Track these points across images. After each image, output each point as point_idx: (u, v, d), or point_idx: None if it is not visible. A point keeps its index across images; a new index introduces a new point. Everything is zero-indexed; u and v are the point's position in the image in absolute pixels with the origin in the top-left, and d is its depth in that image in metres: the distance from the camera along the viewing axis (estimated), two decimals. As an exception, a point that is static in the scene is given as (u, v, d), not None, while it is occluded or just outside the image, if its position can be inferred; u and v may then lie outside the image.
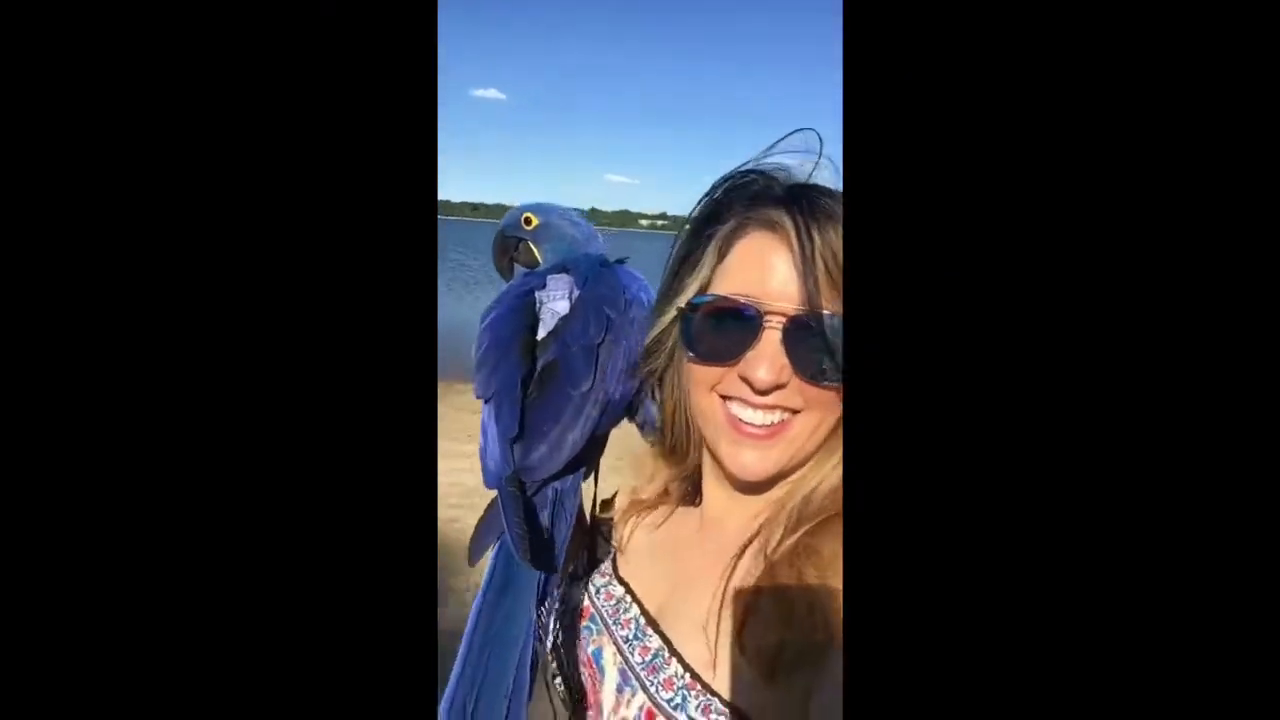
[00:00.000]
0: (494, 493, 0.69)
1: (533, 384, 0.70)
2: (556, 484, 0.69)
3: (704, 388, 0.63)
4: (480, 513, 0.71)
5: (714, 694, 0.57)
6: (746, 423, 0.60)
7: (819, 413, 0.59)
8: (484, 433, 0.71)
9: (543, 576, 0.64)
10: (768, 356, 0.58)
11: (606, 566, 0.76)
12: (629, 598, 0.70)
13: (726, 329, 0.60)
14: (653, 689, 0.61)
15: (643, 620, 0.67)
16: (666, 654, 0.62)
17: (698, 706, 0.57)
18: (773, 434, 0.60)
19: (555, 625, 0.69)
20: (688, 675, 0.59)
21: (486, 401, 0.71)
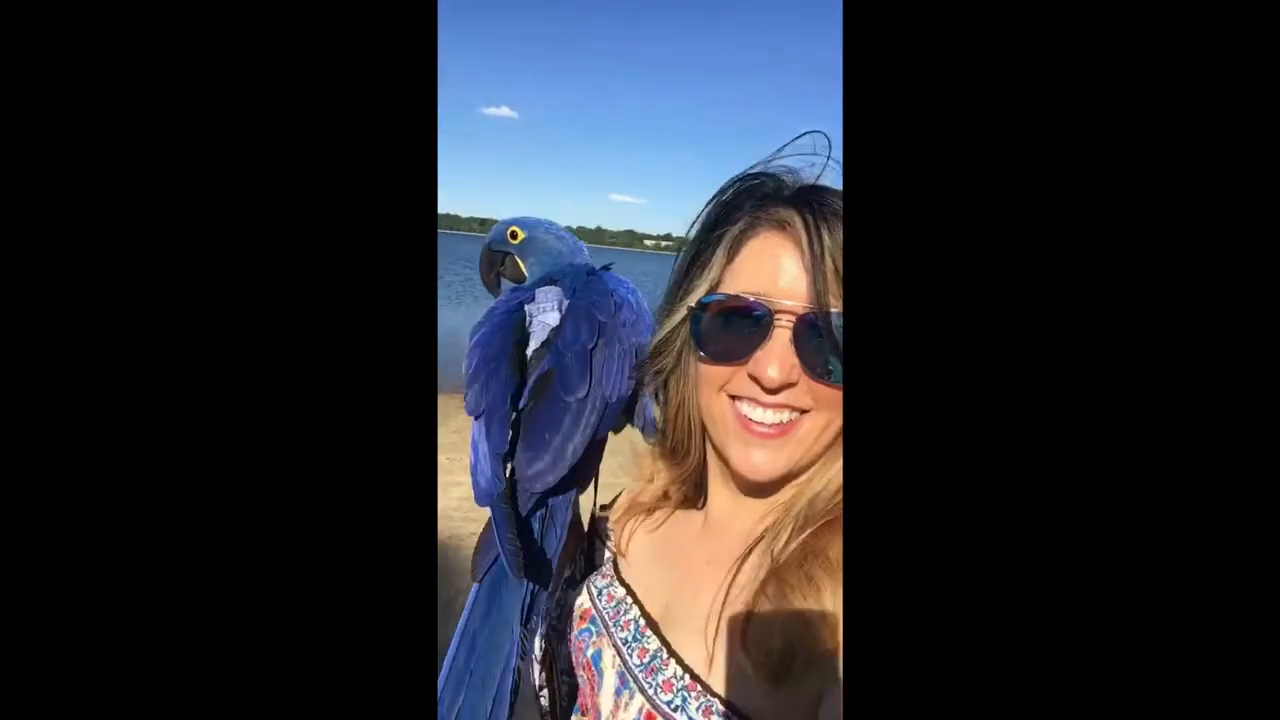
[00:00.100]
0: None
1: (527, 396, 0.70)
2: (551, 498, 0.68)
3: (713, 388, 0.63)
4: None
5: (715, 695, 0.56)
6: (756, 422, 0.60)
7: (828, 412, 0.60)
8: (474, 449, 0.71)
9: (529, 593, 0.64)
10: (777, 355, 0.58)
11: (608, 568, 0.76)
12: (629, 599, 0.70)
13: (736, 328, 0.60)
14: (651, 691, 0.60)
15: (642, 622, 0.67)
16: (665, 655, 0.62)
17: (698, 708, 0.57)
18: (783, 433, 0.60)
19: (541, 642, 0.70)
20: (687, 677, 0.59)
21: (477, 418, 0.71)
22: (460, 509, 3.69)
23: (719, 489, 0.70)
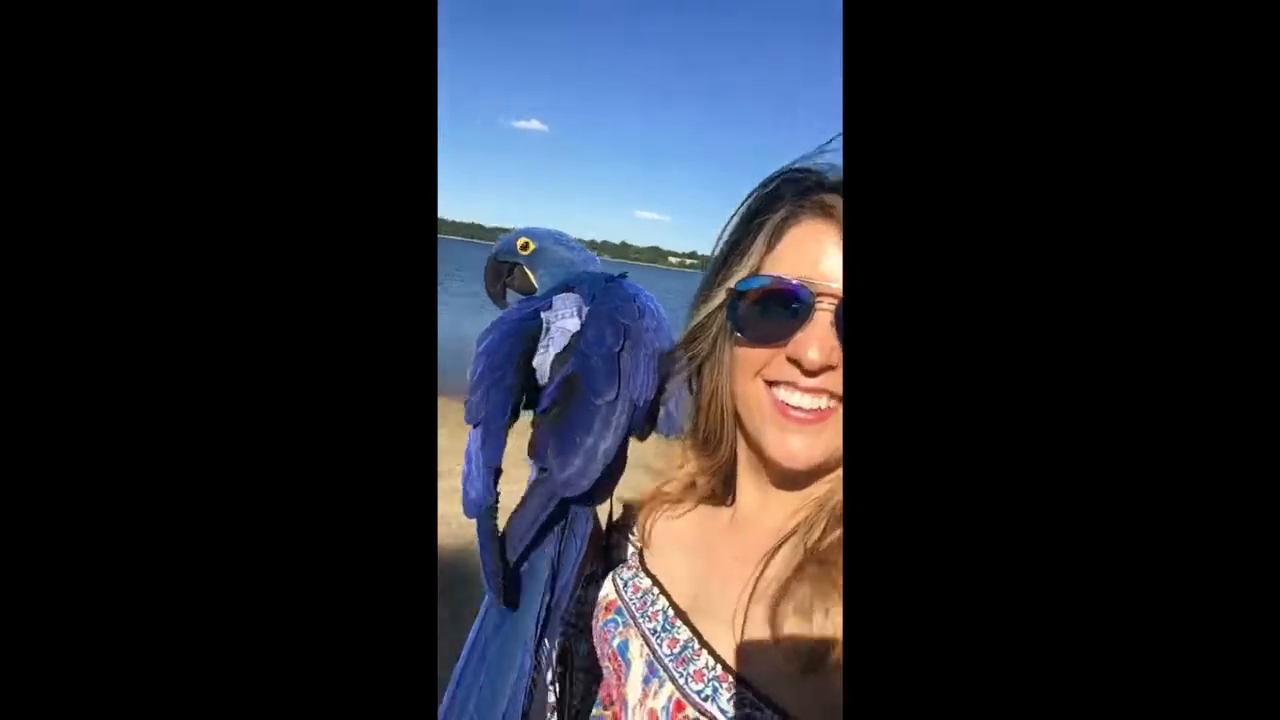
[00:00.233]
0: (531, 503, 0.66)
1: (550, 400, 0.69)
2: (574, 506, 0.67)
3: (749, 373, 0.63)
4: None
5: (747, 687, 0.56)
6: (794, 407, 0.60)
7: None
8: (468, 459, 0.70)
9: (544, 605, 0.63)
10: (818, 337, 0.58)
11: (633, 560, 0.75)
12: (656, 590, 0.69)
13: (777, 310, 0.60)
14: (682, 680, 0.60)
15: (671, 612, 0.66)
16: (696, 646, 0.62)
17: (729, 699, 0.56)
18: (820, 419, 0.60)
19: (556, 644, 0.68)
20: (719, 667, 0.59)
21: (475, 426, 0.70)
22: (458, 514, 3.72)
23: (748, 484, 0.69)
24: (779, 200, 0.63)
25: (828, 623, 0.54)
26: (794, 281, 0.60)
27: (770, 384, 0.62)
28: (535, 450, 0.68)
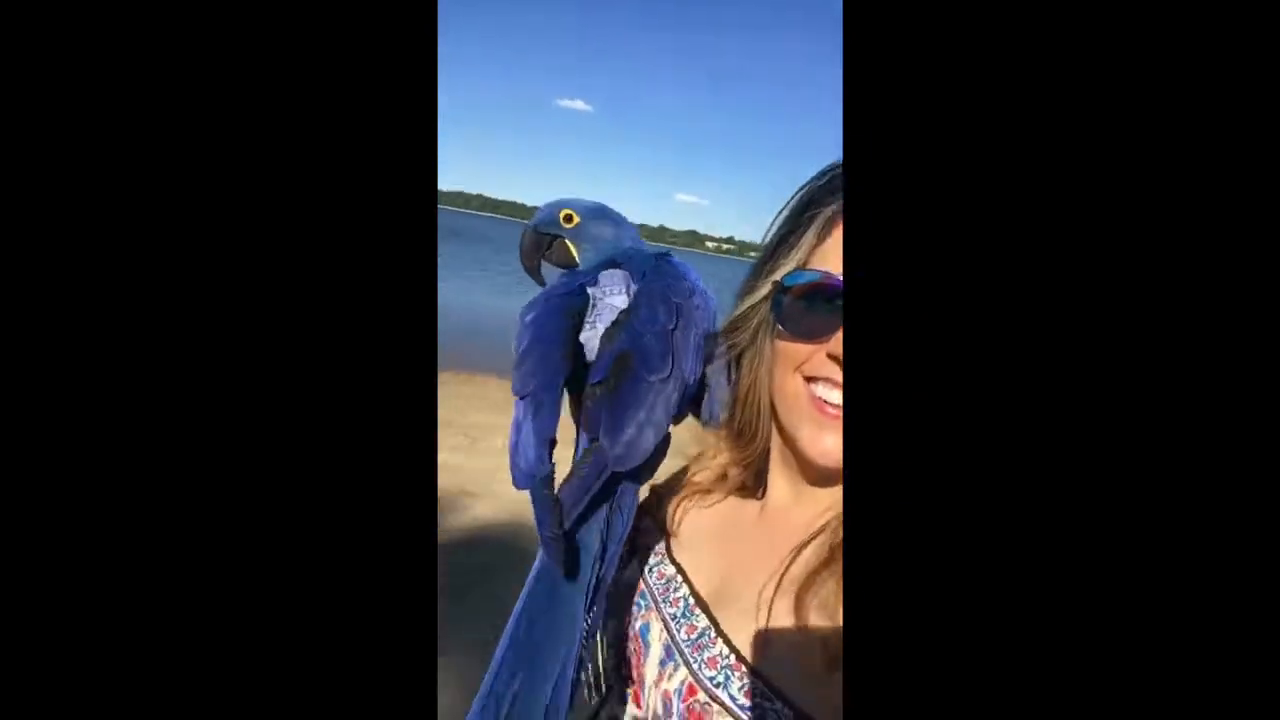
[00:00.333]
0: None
1: (602, 374, 0.68)
2: (623, 483, 0.67)
3: (788, 368, 0.63)
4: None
5: (759, 678, 0.57)
6: (832, 405, 0.60)
7: None
8: (516, 430, 0.68)
9: (594, 578, 0.63)
10: None
11: (660, 546, 0.76)
12: (680, 578, 0.70)
13: (821, 306, 0.60)
14: (695, 665, 0.61)
15: (692, 600, 0.67)
16: (713, 634, 0.62)
17: (740, 688, 0.57)
18: None
19: (599, 621, 0.68)
20: (733, 657, 0.59)
21: (522, 398, 0.69)
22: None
23: (780, 478, 0.69)
24: (833, 194, 0.62)
25: None
26: (840, 278, 0.59)
27: (809, 380, 0.61)
28: (588, 423, 0.67)
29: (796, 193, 0.66)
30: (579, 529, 0.64)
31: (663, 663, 0.66)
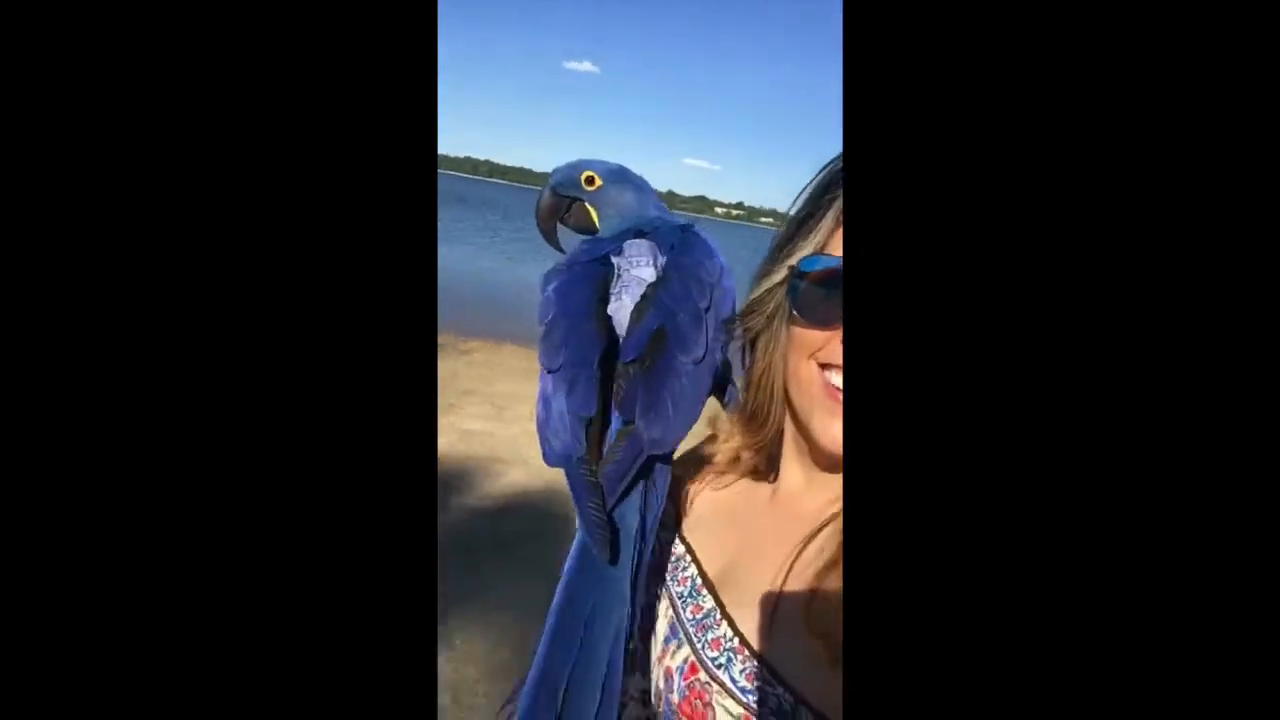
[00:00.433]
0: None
1: (637, 351, 0.66)
2: (658, 463, 0.66)
3: (803, 354, 0.62)
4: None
5: (761, 662, 0.57)
6: None
7: None
8: (545, 405, 0.67)
9: (636, 558, 0.62)
10: None
11: (670, 525, 0.76)
12: (688, 557, 0.71)
13: (837, 292, 0.58)
14: (699, 645, 0.62)
15: (699, 580, 0.68)
16: (718, 616, 0.63)
17: (742, 671, 0.58)
18: None
19: (642, 601, 0.68)
20: (736, 640, 0.60)
21: (552, 372, 0.67)
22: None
23: (793, 464, 0.69)
24: None
25: None
26: None
27: (823, 367, 0.61)
28: (622, 404, 0.65)
29: (818, 174, 0.64)
30: (617, 509, 0.63)
31: (667, 640, 0.66)
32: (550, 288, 0.73)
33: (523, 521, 3.42)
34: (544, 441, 0.67)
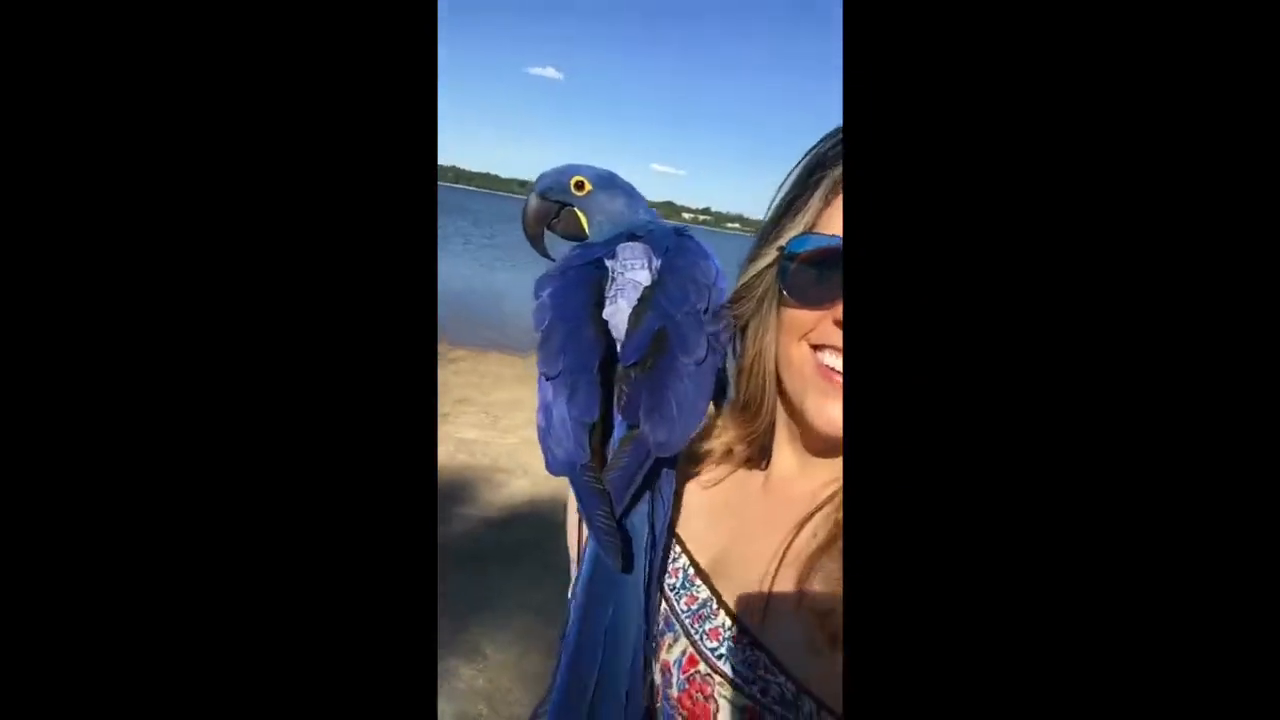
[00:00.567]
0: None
1: (639, 355, 0.65)
2: (664, 468, 0.66)
3: (794, 335, 0.62)
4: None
5: (761, 650, 0.57)
6: (838, 371, 0.59)
7: None
8: (546, 413, 0.66)
9: (649, 565, 0.62)
10: None
11: None
12: (678, 548, 0.70)
13: (827, 272, 0.58)
14: (697, 636, 0.61)
15: (691, 571, 0.67)
16: (715, 605, 0.62)
17: (742, 660, 0.57)
18: None
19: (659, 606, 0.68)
20: (735, 628, 0.59)
21: (551, 379, 0.66)
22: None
23: (785, 450, 0.69)
24: (837, 159, 0.60)
25: None
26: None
27: (815, 348, 0.60)
28: (625, 408, 0.64)
29: (803, 158, 0.64)
30: (626, 516, 0.62)
31: (662, 633, 0.66)
32: (545, 293, 0.72)
33: (529, 530, 3.43)
34: (546, 450, 0.66)
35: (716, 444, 0.72)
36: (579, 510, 0.63)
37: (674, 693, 0.61)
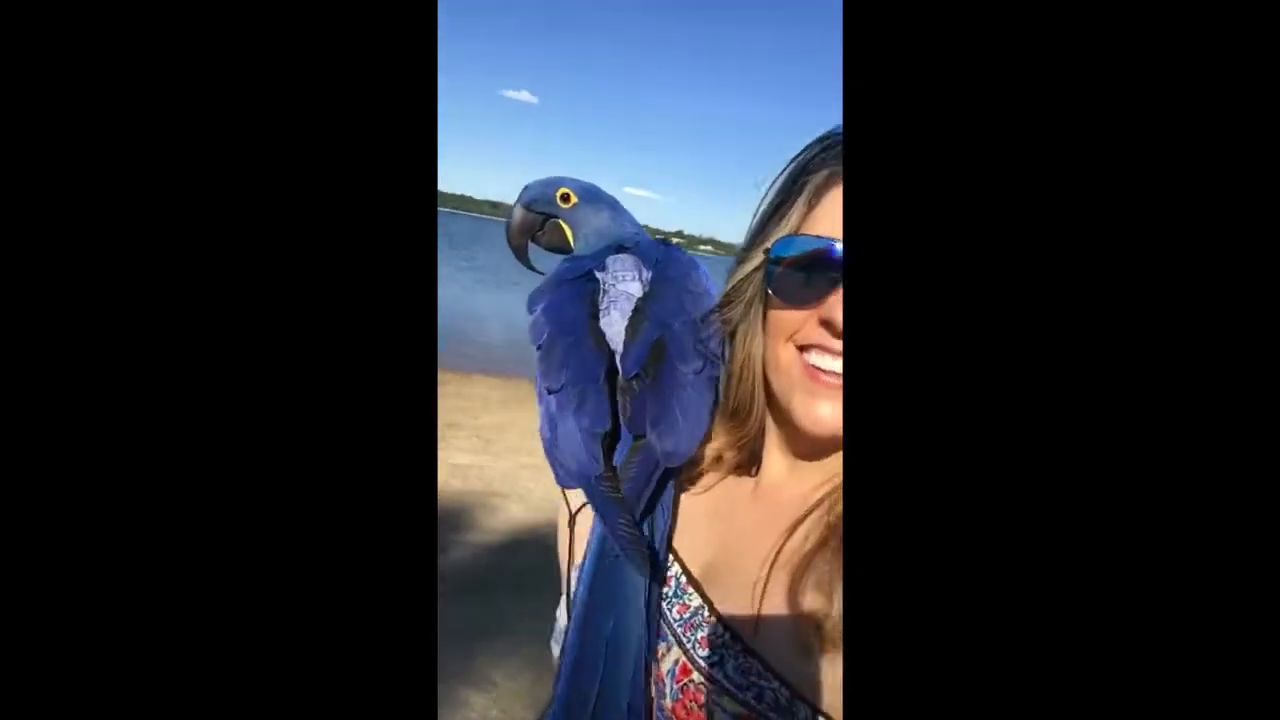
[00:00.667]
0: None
1: (638, 366, 0.65)
2: (668, 478, 0.66)
3: (781, 337, 0.62)
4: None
5: (755, 656, 0.56)
6: (825, 372, 0.59)
7: None
8: (552, 426, 0.65)
9: (649, 577, 0.62)
10: None
11: None
12: (670, 556, 0.69)
13: (812, 271, 0.59)
14: (689, 645, 0.61)
15: (683, 579, 0.66)
16: (706, 613, 0.62)
17: (736, 667, 0.56)
18: None
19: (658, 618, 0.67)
20: (728, 635, 0.59)
21: (554, 392, 0.66)
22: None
23: (775, 454, 0.69)
24: (821, 165, 0.62)
25: None
26: (831, 242, 0.58)
27: (802, 348, 0.61)
28: (630, 419, 0.64)
29: (788, 164, 0.66)
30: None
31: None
32: (539, 308, 0.72)
33: (531, 555, 3.40)
34: (555, 464, 0.66)
35: (706, 450, 0.71)
36: (596, 521, 0.63)
37: (668, 703, 0.60)
